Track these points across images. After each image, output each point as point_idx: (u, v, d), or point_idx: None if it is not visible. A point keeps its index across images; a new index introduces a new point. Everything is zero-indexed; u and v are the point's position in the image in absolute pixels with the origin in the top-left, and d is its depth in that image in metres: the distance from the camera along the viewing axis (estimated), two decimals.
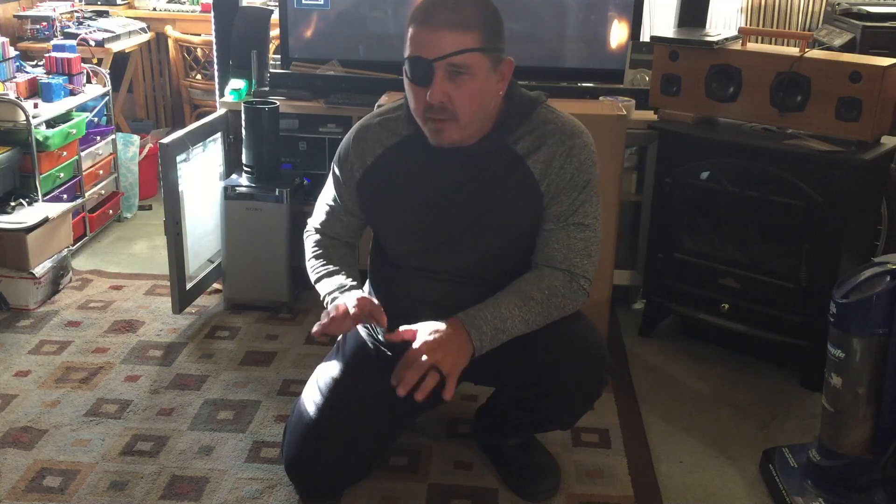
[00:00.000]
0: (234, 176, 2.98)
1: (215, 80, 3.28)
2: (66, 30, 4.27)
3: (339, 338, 2.12)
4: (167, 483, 2.06)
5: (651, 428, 2.36)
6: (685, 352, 2.79)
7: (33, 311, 2.92)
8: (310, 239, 2.06)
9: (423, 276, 1.92)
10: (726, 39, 2.65)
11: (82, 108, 3.58)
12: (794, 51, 2.55)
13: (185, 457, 2.16)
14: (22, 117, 3.14)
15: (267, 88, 3.11)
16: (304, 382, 2.06)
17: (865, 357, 1.87)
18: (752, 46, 2.65)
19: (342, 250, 2.04)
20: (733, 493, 2.11)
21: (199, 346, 2.73)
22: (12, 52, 3.40)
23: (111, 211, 3.75)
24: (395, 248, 1.97)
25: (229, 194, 2.88)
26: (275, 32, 3.46)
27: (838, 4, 3.91)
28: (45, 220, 3.01)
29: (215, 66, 3.25)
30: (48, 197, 3.25)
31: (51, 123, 3.30)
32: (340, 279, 1.92)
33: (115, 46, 4.27)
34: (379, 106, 2.43)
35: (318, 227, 2.06)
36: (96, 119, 3.69)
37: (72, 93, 3.50)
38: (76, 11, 4.51)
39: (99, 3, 4.73)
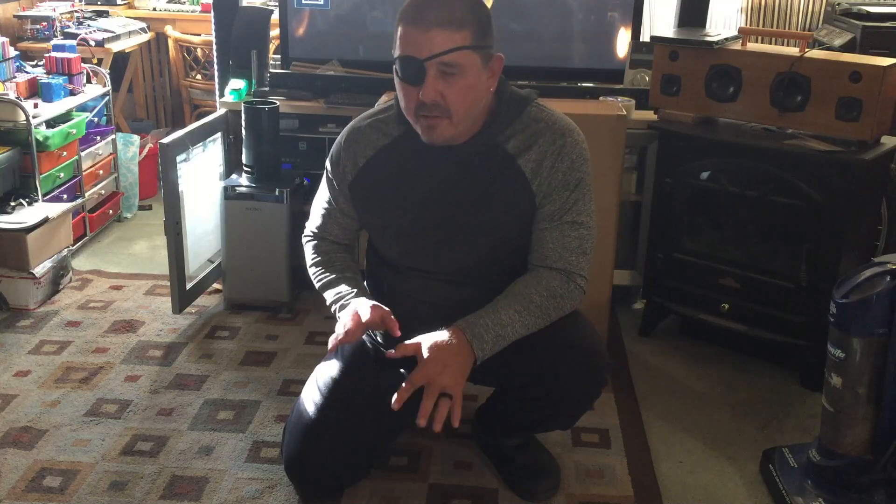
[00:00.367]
0: (234, 176, 2.98)
1: (215, 80, 3.28)
2: (66, 30, 4.27)
3: None
4: (167, 483, 2.06)
5: (651, 428, 2.36)
6: (685, 352, 2.79)
7: (33, 311, 2.92)
8: (309, 245, 2.06)
9: (420, 276, 1.92)
10: (726, 39, 2.65)
11: (82, 108, 3.58)
12: (794, 51, 2.55)
13: (185, 457, 2.16)
14: (22, 117, 3.14)
15: (267, 88, 3.11)
16: (303, 382, 2.06)
17: (865, 357, 1.87)
18: (752, 46, 2.65)
19: (342, 254, 2.04)
20: (733, 493, 2.11)
21: (199, 346, 2.73)
22: (12, 52, 3.40)
23: (111, 211, 3.75)
24: (391, 250, 1.97)
25: (229, 194, 2.88)
26: (275, 32, 3.46)
27: (838, 4, 3.90)
28: (45, 220, 3.01)
29: (215, 66, 3.25)
30: (48, 197, 3.25)
31: (51, 123, 3.30)
32: (345, 286, 1.93)
33: (115, 46, 4.27)
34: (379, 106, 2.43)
35: (316, 230, 2.05)
36: (96, 119, 3.69)
37: (72, 93, 3.50)
38: (76, 11, 4.51)
39: (99, 3, 4.73)
